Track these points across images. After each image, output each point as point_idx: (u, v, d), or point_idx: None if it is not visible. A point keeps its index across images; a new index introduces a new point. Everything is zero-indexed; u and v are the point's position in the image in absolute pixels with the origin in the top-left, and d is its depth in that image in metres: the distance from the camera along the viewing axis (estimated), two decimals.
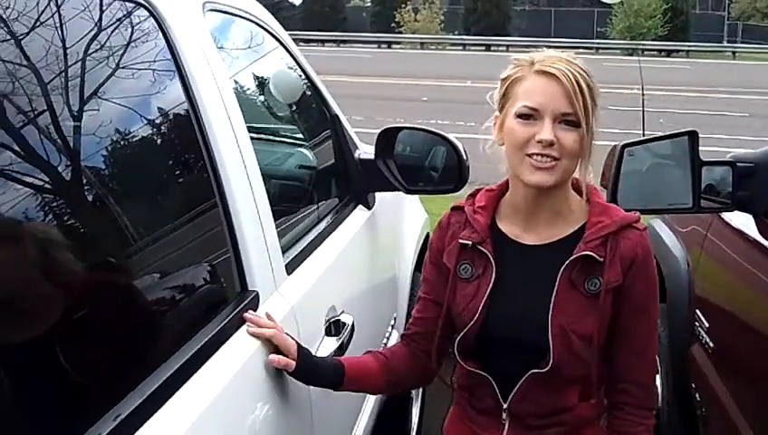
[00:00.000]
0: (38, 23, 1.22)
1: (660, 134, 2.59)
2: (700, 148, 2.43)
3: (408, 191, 2.73)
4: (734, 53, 37.41)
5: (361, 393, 2.34)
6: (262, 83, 2.67)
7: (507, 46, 34.19)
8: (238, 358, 1.54)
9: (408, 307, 3.08)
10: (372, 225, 2.80)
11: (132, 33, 1.51)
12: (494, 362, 1.73)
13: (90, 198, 1.31)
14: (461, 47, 36.47)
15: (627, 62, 21.81)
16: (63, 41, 1.26)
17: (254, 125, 2.31)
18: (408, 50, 36.38)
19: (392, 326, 2.95)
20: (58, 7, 1.27)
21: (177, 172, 1.71)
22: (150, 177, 1.56)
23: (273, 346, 1.67)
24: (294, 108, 2.94)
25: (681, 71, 26.27)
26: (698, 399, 2.93)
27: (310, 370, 1.73)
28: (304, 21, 40.62)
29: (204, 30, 1.81)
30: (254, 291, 1.69)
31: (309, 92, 2.81)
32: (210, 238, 1.67)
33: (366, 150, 2.80)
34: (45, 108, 1.18)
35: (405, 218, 3.32)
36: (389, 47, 37.68)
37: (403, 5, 41.15)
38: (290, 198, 2.46)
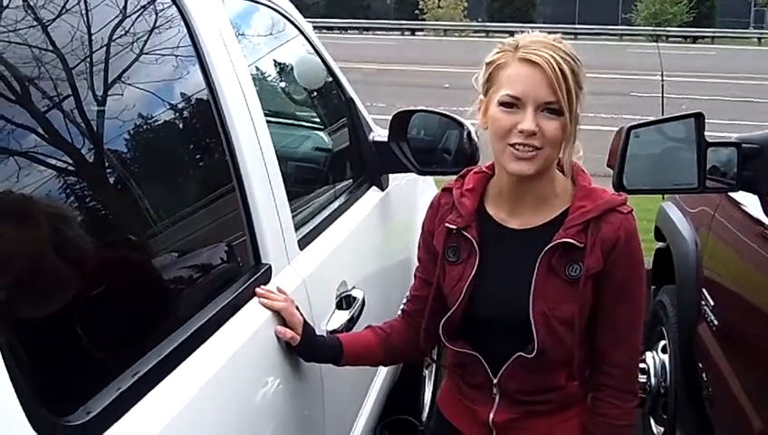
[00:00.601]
0: (64, 10, 1.30)
1: (666, 116, 2.64)
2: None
3: (421, 172, 2.79)
4: (759, 39, 36.98)
5: (372, 368, 2.41)
6: (280, 69, 2.75)
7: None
8: (250, 326, 1.62)
9: None
10: (385, 205, 2.88)
11: (156, 21, 1.58)
12: (482, 342, 1.75)
13: (116, 178, 1.41)
14: (484, 34, 36.28)
15: (650, 49, 21.62)
16: (89, 27, 1.34)
17: (272, 109, 2.40)
18: (431, 37, 36.29)
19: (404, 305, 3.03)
20: None
21: (197, 153, 1.80)
22: (172, 157, 1.65)
23: (282, 319, 1.74)
24: (311, 92, 3.02)
25: (706, 57, 26.03)
26: (705, 379, 2.99)
27: (312, 346, 1.78)
28: (327, 8, 40.59)
29: (223, 16, 1.88)
30: (267, 264, 1.78)
31: (326, 77, 2.88)
32: (227, 215, 1.76)
33: (380, 133, 2.87)
34: (70, 92, 1.26)
35: (419, 200, 3.39)
36: (413, 34, 37.59)
37: None
38: (304, 178, 2.54)
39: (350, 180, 2.78)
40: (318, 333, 1.84)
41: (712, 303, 2.91)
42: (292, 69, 2.85)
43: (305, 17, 2.81)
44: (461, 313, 1.73)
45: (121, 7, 1.47)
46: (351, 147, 2.85)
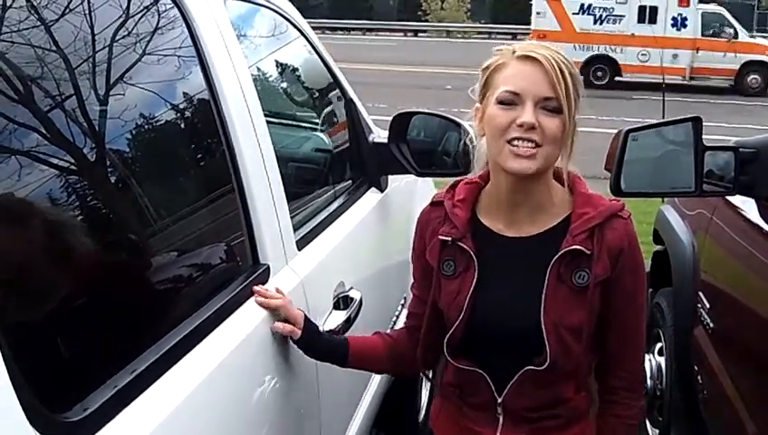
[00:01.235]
0: (65, 11, 1.32)
1: (664, 120, 2.65)
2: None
3: (419, 174, 2.80)
4: None
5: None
6: (281, 70, 2.76)
7: None
8: (247, 325, 1.64)
9: None
10: (384, 207, 2.89)
11: (157, 22, 1.60)
12: (486, 358, 1.69)
13: (115, 177, 1.42)
14: (487, 36, 36.26)
15: None
16: (90, 28, 1.35)
17: (273, 110, 2.41)
18: (434, 38, 36.28)
19: (402, 305, 3.04)
20: None
21: (196, 154, 1.82)
22: (171, 157, 1.67)
23: (281, 317, 1.74)
24: (312, 93, 3.04)
25: None
26: (700, 381, 3.00)
27: (313, 340, 1.77)
28: (331, 9, 40.61)
29: (224, 18, 1.90)
30: (265, 264, 1.80)
31: (326, 79, 2.90)
32: (225, 215, 1.78)
33: (380, 135, 2.88)
34: (71, 92, 1.28)
35: (418, 202, 3.40)
36: (416, 35, 37.56)
37: None
38: (304, 179, 2.55)
39: (350, 181, 2.80)
40: None
41: (708, 306, 2.93)
42: (292, 70, 2.86)
43: (308, 18, 2.83)
44: (464, 327, 1.67)
45: (123, 8, 1.49)
46: (351, 148, 2.86)
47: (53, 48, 1.26)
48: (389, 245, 2.94)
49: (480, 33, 37.87)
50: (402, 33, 37.83)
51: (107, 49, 1.40)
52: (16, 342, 1.03)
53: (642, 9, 19.13)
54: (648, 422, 3.54)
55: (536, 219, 1.67)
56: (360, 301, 2.18)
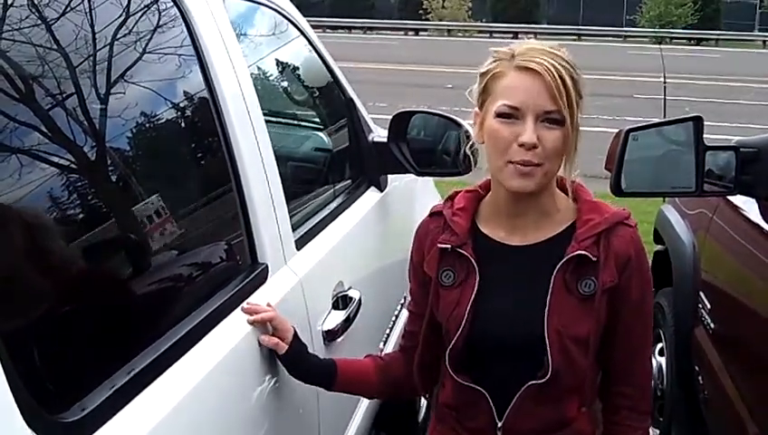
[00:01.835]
0: (65, 10, 1.31)
1: (665, 120, 2.65)
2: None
3: (419, 173, 2.79)
4: (764, 42, 36.90)
5: None
6: (280, 69, 2.76)
7: (535, 34, 33.87)
8: (246, 325, 1.63)
9: None
10: (384, 206, 2.89)
11: (156, 21, 1.60)
12: (487, 373, 1.63)
13: (114, 176, 1.43)
14: (488, 35, 36.27)
15: (654, 51, 21.62)
16: (90, 27, 1.36)
17: (272, 109, 2.41)
18: (434, 37, 36.29)
19: (401, 305, 3.04)
20: None
21: (195, 153, 1.82)
22: (170, 156, 1.67)
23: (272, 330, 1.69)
24: (311, 93, 3.03)
25: (710, 60, 26.01)
26: (701, 382, 3.00)
27: (299, 359, 1.71)
28: (332, 8, 40.61)
29: (224, 17, 1.89)
30: (263, 263, 1.79)
31: (326, 78, 2.90)
32: (224, 214, 1.78)
33: (380, 134, 2.88)
34: (71, 91, 1.28)
35: (418, 201, 3.40)
36: (417, 34, 37.57)
37: None
38: (303, 178, 2.55)
39: (349, 181, 2.79)
40: (314, 334, 1.83)
41: (709, 306, 2.92)
42: (292, 69, 2.86)
43: (309, 17, 2.82)
44: (464, 338, 1.61)
45: (122, 8, 1.49)
46: (351, 147, 2.86)
47: (53, 47, 1.26)
48: (389, 244, 2.94)
49: (481, 31, 37.90)
50: (403, 32, 37.86)
51: (106, 48, 1.40)
52: (13, 342, 1.03)
53: None
54: None
55: (541, 226, 1.63)
56: (360, 300, 2.18)
